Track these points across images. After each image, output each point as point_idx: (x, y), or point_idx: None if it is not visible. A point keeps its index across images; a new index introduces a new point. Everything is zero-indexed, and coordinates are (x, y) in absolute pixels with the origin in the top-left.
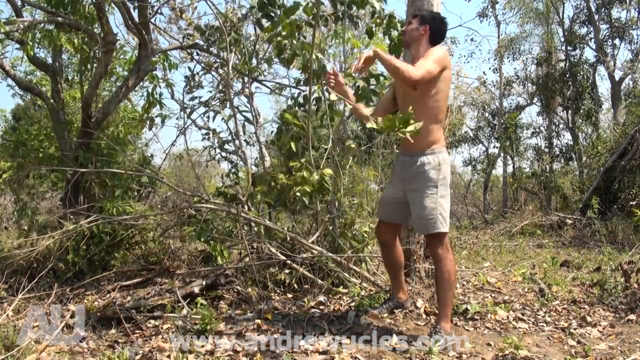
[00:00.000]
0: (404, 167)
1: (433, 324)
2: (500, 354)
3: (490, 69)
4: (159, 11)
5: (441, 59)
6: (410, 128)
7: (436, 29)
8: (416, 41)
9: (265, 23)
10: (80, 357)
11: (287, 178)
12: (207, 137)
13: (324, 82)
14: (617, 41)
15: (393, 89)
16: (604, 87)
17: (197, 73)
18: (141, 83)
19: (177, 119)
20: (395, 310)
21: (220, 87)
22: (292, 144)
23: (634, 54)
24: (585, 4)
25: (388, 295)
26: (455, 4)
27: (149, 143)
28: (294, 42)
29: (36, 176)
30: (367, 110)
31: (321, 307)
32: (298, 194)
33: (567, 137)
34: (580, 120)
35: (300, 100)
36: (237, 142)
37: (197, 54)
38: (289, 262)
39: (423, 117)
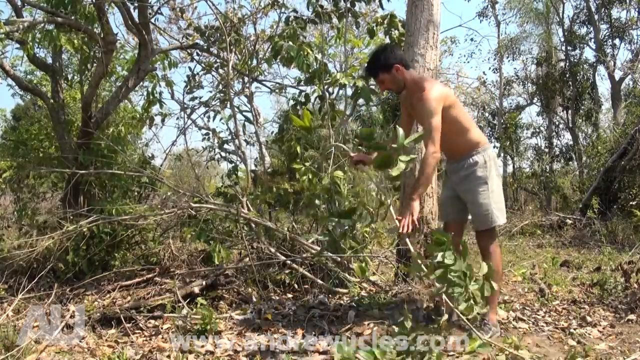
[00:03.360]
0: (454, 173)
1: (482, 317)
2: (500, 354)
3: (490, 69)
4: (159, 11)
5: (436, 102)
6: (394, 172)
7: (398, 57)
8: (401, 83)
9: None
10: (80, 357)
11: (290, 184)
12: (207, 137)
13: (325, 82)
14: (617, 41)
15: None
16: (604, 87)
17: (197, 73)
18: (141, 83)
19: (177, 119)
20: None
21: (220, 87)
22: (298, 147)
23: (634, 54)
24: (585, 4)
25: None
26: (455, 4)
27: (149, 143)
28: (291, 43)
29: (36, 176)
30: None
31: (321, 307)
32: (318, 201)
33: (567, 137)
34: (580, 120)
35: (302, 99)
36: (237, 142)
37: (197, 54)
38: (288, 262)
39: (453, 134)
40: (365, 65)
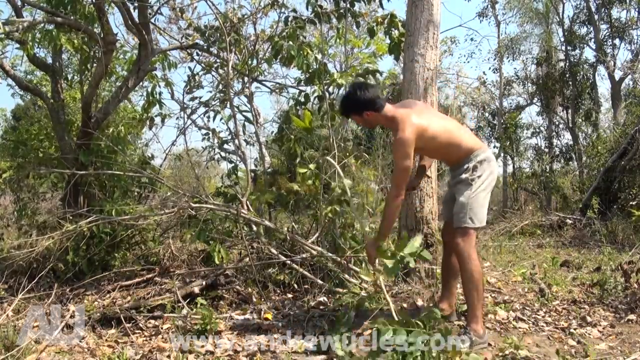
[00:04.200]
0: (451, 177)
1: (463, 325)
2: (500, 353)
3: (490, 69)
4: (159, 11)
5: (408, 144)
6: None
7: (368, 103)
8: (373, 123)
9: None
10: (80, 357)
11: (296, 183)
12: (207, 137)
13: (324, 82)
14: (617, 41)
15: None
16: (604, 87)
17: (197, 73)
18: (141, 83)
19: (177, 119)
20: None
21: (220, 87)
22: (297, 149)
23: (634, 54)
24: (585, 4)
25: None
26: (455, 4)
27: (149, 143)
28: (291, 43)
29: (36, 176)
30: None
31: (321, 307)
32: (330, 215)
33: (567, 137)
34: (580, 120)
35: (302, 99)
36: (237, 142)
37: (197, 54)
38: (288, 262)
39: (445, 152)
40: (339, 106)
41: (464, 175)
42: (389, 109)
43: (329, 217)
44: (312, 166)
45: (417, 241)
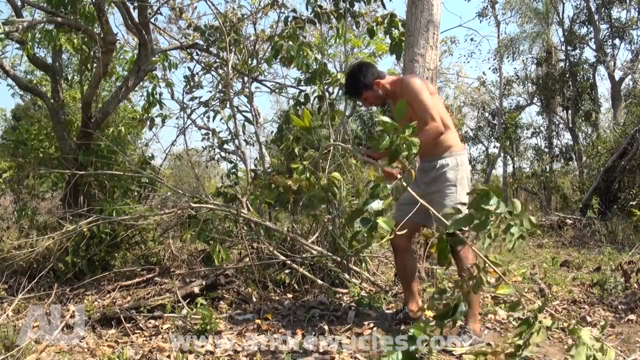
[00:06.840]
0: (424, 173)
1: (462, 325)
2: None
3: (490, 69)
4: (159, 11)
5: (419, 83)
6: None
7: (375, 73)
8: (383, 95)
9: None
10: (80, 357)
11: (291, 179)
12: (207, 137)
13: (324, 81)
14: (617, 41)
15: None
16: (604, 87)
17: (197, 73)
18: (141, 83)
19: (177, 119)
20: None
21: (220, 87)
22: (296, 148)
23: (634, 54)
24: (585, 4)
25: (391, 296)
26: (455, 4)
27: (149, 143)
28: (291, 43)
29: (36, 176)
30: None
31: (321, 307)
32: (315, 200)
33: (567, 137)
34: (580, 120)
35: (301, 99)
36: (237, 142)
37: (197, 54)
38: (288, 262)
39: None
40: (345, 88)
41: (450, 174)
42: (390, 76)
43: (314, 203)
44: (305, 162)
45: None
